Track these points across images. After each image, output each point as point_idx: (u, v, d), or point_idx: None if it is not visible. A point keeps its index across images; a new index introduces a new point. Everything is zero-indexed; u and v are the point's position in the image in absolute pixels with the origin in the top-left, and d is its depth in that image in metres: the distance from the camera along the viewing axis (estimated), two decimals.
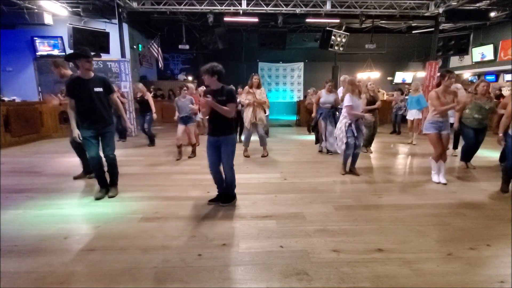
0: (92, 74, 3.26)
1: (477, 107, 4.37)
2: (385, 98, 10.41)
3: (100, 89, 3.27)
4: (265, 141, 5.68)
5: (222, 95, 2.94)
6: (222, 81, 3.02)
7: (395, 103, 8.52)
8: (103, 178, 3.45)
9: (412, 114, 6.71)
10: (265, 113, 5.76)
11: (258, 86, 5.42)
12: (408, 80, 14.87)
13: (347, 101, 4.08)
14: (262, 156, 5.58)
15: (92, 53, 3.35)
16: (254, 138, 5.72)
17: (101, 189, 3.45)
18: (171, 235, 2.49)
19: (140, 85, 6.58)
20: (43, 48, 9.86)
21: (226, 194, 3.25)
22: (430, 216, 2.93)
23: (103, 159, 3.41)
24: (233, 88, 3.09)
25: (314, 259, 2.15)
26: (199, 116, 6.21)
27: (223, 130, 3.01)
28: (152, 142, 6.74)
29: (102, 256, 2.18)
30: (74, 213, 3.01)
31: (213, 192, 3.54)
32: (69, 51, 9.11)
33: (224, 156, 3.05)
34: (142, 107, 6.55)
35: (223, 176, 3.17)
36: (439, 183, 3.93)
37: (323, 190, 3.68)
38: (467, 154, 4.71)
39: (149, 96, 6.49)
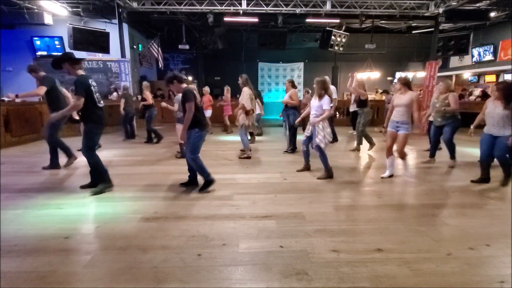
0: (78, 74, 3.43)
1: (432, 105, 4.93)
2: (383, 98, 10.42)
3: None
4: (244, 143, 5.38)
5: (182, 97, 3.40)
6: (184, 82, 3.55)
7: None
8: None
9: None
10: (252, 112, 5.42)
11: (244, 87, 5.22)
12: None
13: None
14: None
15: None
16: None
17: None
18: (171, 235, 2.50)
19: (145, 82, 7.03)
20: (42, 48, 9.87)
21: (204, 181, 3.59)
22: (430, 216, 2.93)
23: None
24: (188, 90, 3.38)
25: (314, 259, 2.15)
26: None
27: (190, 125, 3.38)
28: (147, 140, 6.95)
29: (102, 256, 2.18)
30: (74, 213, 3.00)
31: (213, 192, 3.59)
32: (69, 51, 9.14)
33: (186, 148, 3.52)
34: (144, 108, 6.83)
35: (200, 163, 3.52)
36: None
37: (323, 190, 3.69)
38: (431, 147, 5.25)
39: (146, 95, 6.74)
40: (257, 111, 6.84)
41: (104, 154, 5.69)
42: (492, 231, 2.62)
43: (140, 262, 2.11)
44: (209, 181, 3.57)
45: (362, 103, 5.82)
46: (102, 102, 3.57)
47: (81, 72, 3.47)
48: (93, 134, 3.53)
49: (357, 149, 6.06)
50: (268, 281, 1.90)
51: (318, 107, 4.15)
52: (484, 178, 3.98)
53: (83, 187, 3.65)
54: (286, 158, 5.50)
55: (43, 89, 4.32)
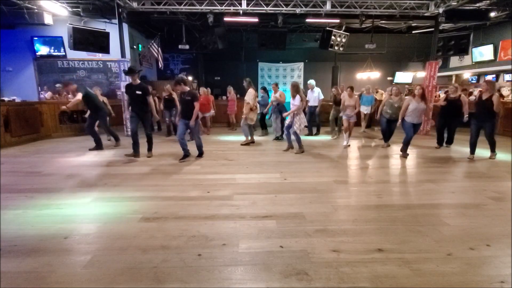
0: (138, 82, 5.16)
1: (389, 104, 6.14)
2: (383, 98, 10.42)
3: (139, 92, 5.07)
4: (245, 133, 6.65)
5: (188, 96, 4.88)
6: (187, 85, 4.95)
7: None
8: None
9: (362, 109, 8.66)
10: (255, 109, 6.59)
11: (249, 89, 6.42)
12: (408, 80, 14.87)
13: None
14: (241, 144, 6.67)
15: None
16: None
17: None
18: (171, 235, 2.50)
19: (168, 86, 7.84)
20: (43, 48, 9.86)
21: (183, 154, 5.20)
22: (430, 216, 2.93)
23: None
24: (196, 92, 4.76)
25: (314, 259, 2.15)
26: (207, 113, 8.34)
27: (186, 117, 4.97)
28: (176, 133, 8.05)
29: (102, 256, 2.18)
30: (74, 213, 3.01)
31: (213, 192, 3.60)
32: (69, 51, 9.16)
33: (179, 129, 5.10)
34: (169, 103, 7.74)
35: (185, 142, 5.16)
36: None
37: (323, 190, 3.68)
38: (384, 136, 6.61)
39: (174, 95, 7.61)
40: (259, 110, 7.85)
41: (104, 155, 5.71)
42: (492, 231, 2.62)
43: (140, 262, 2.11)
44: (186, 155, 5.16)
45: (337, 103, 7.62)
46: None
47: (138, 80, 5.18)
48: (147, 120, 5.36)
49: (336, 135, 7.84)
50: (268, 281, 1.90)
51: (292, 104, 5.51)
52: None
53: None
54: (286, 158, 5.50)
55: (79, 95, 5.65)
